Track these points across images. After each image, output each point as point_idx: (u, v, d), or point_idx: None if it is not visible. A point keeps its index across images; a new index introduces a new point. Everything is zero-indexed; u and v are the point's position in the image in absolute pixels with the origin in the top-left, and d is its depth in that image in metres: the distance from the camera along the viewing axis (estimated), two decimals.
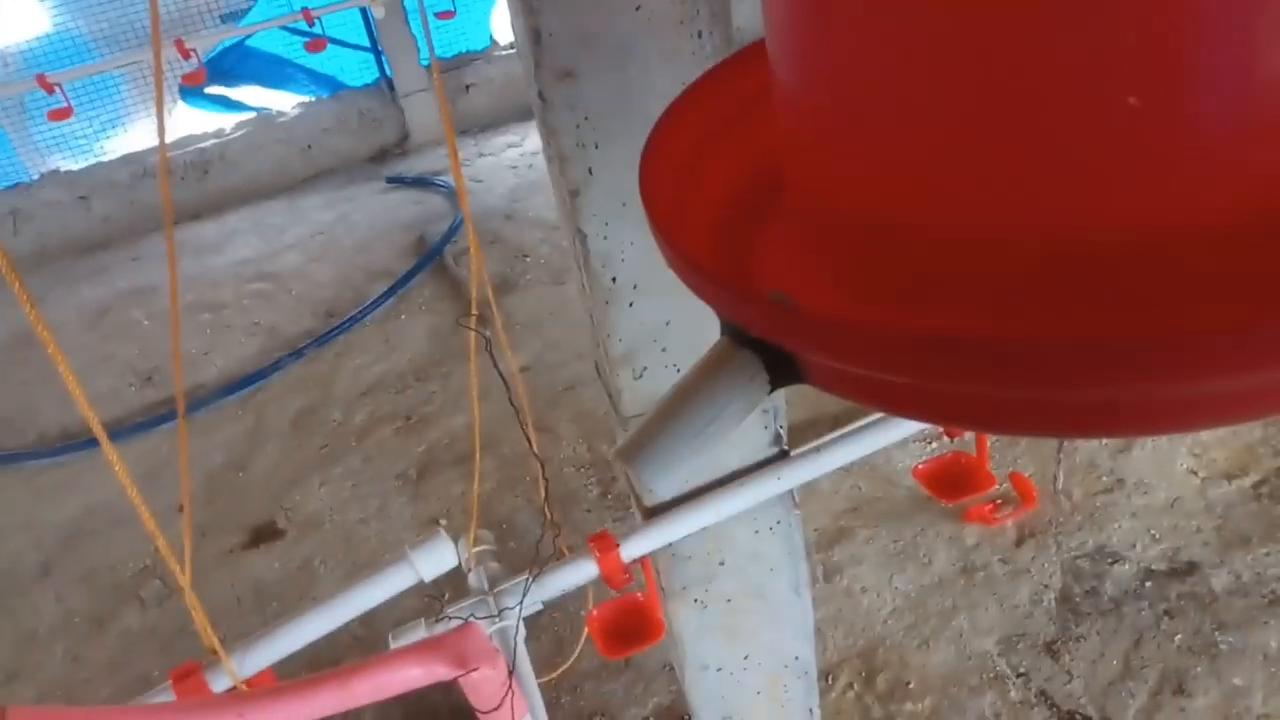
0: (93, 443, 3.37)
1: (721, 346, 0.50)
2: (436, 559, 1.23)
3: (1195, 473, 2.44)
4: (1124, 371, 0.33)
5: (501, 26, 6.07)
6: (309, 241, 4.82)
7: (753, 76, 0.58)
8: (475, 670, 0.95)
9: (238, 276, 4.58)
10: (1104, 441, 2.58)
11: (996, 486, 2.33)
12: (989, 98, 0.38)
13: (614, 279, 1.06)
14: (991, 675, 2.06)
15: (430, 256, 4.27)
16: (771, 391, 0.50)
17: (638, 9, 0.91)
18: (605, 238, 1.03)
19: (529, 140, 5.49)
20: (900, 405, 0.46)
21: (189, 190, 5.34)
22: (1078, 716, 1.95)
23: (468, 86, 5.77)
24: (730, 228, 0.56)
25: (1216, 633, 2.04)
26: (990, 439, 2.12)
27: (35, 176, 5.28)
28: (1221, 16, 0.34)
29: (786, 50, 0.48)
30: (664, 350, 1.15)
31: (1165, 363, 0.33)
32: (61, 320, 4.39)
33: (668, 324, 1.13)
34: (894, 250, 0.48)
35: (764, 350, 0.47)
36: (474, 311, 1.25)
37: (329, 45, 5.05)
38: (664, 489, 1.19)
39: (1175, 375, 0.33)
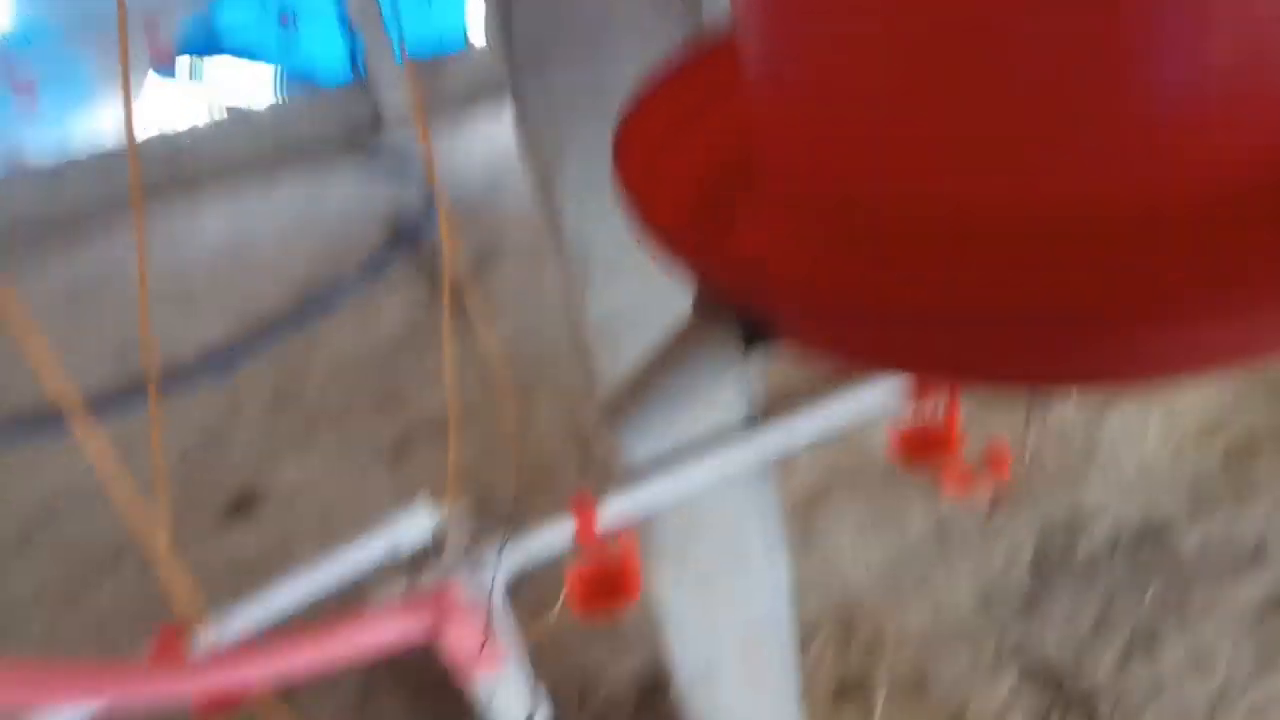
0: (69, 420, 3.33)
1: (697, 312, 0.51)
2: (414, 528, 1.24)
3: (1167, 436, 2.48)
4: (1062, 344, 0.36)
5: (477, 9, 6.01)
6: (283, 224, 4.78)
7: (727, 54, 0.59)
8: (453, 630, 0.96)
9: (212, 259, 4.53)
10: (1078, 406, 2.61)
11: (969, 452, 2.36)
12: (956, 74, 0.40)
13: (588, 259, 1.06)
14: (967, 633, 2.10)
15: (405, 237, 4.24)
16: (745, 353, 0.51)
17: None
18: (579, 216, 1.03)
19: (505, 119, 5.45)
20: (865, 360, 0.48)
21: (160, 173, 5.27)
22: (1051, 671, 1.99)
23: (442, 66, 5.70)
24: (703, 204, 0.58)
25: (1186, 591, 2.09)
26: (965, 403, 2.14)
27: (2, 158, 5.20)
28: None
29: (753, 22, 0.48)
30: (638, 329, 1.15)
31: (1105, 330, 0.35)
32: (34, 300, 4.33)
33: (642, 302, 1.13)
34: (865, 224, 0.49)
35: (736, 315, 0.49)
36: (446, 286, 1.25)
37: (302, 26, 4.99)
38: (642, 450, 1.20)
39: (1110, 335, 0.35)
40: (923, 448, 1.82)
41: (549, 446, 2.84)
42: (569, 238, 1.04)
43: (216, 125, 5.40)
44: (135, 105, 1.20)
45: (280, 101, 5.52)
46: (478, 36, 6.02)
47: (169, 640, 1.06)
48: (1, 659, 0.73)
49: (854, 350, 0.47)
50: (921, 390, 1.60)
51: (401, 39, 5.29)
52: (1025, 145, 0.39)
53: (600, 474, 2.66)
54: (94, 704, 0.83)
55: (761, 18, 0.47)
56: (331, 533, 2.71)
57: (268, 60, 5.68)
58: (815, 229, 0.51)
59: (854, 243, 0.49)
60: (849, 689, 2.04)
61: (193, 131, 5.38)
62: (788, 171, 0.52)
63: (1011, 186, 0.41)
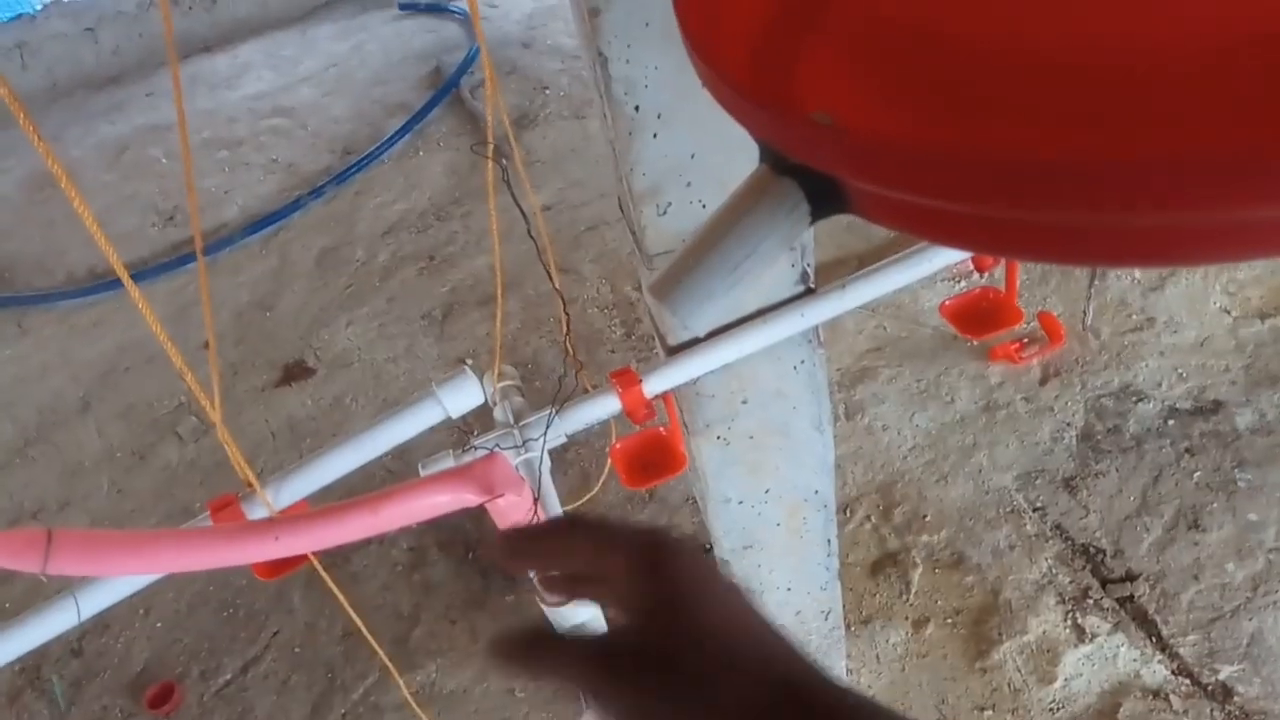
0: (121, 282, 3.38)
1: (760, 174, 0.47)
2: (463, 395, 1.24)
3: (1228, 311, 2.40)
4: (1183, 193, 0.31)
5: None
6: (323, 74, 4.68)
7: None
8: (501, 497, 0.97)
9: (253, 111, 4.47)
10: (1136, 278, 2.53)
11: (1024, 324, 2.31)
12: None
13: (637, 107, 1.01)
14: (1008, 509, 2.10)
15: (446, 89, 4.14)
16: (814, 222, 0.47)
17: None
18: (628, 61, 0.97)
19: None
20: (948, 233, 0.44)
21: (198, 20, 5.15)
22: (1091, 550, 2.00)
23: None
24: (770, 43, 0.53)
25: (1236, 470, 2.06)
26: (1020, 275, 2.07)
27: (39, 7, 5.10)
28: None
29: None
30: (689, 185, 1.10)
31: (1224, 186, 0.31)
32: (80, 159, 4.34)
33: (693, 156, 1.08)
34: (945, 65, 0.44)
35: (806, 177, 0.45)
36: (489, 141, 1.21)
37: None
38: (698, 326, 1.18)
39: (1232, 198, 0.31)
40: (976, 316, 1.77)
41: (592, 317, 2.83)
42: (616, 86, 0.99)
43: None
44: None
45: None
46: None
47: (225, 506, 1.09)
48: (67, 528, 0.75)
49: (925, 226, 0.44)
50: (982, 260, 1.54)
51: None
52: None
53: (647, 349, 2.67)
54: (156, 571, 0.85)
55: None
56: (384, 397, 2.77)
57: None
58: (889, 77, 0.47)
59: (932, 96, 0.44)
60: (886, 563, 2.07)
61: None
62: (863, 5, 0.47)
63: (1114, 25, 0.36)
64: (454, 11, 4.88)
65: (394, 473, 2.39)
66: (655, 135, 1.04)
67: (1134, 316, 2.44)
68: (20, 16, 5.04)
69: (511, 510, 1.01)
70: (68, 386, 3.10)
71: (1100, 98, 0.38)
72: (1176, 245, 0.36)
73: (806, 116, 0.46)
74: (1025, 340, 2.40)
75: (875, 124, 0.46)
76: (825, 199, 0.45)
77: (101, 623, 2.29)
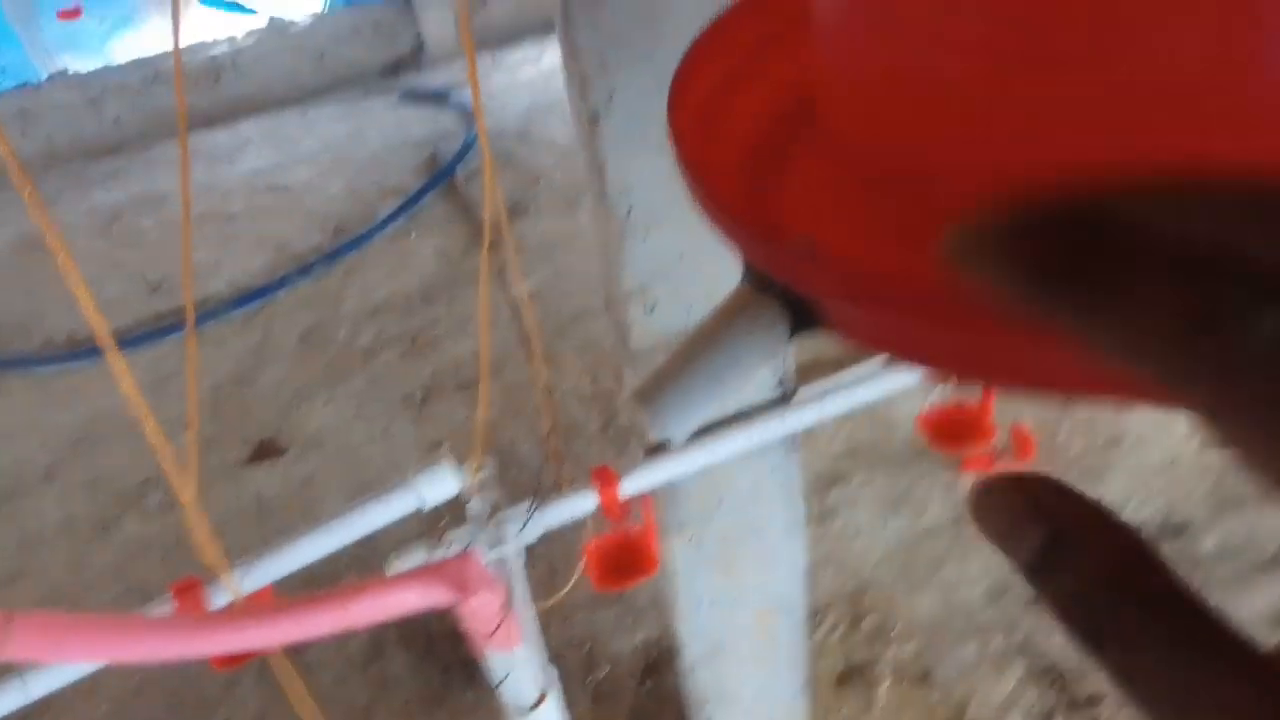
0: (101, 350, 3.37)
1: (741, 291, 0.50)
2: (439, 486, 1.24)
3: (1194, 433, 2.44)
4: None
5: None
6: (321, 154, 4.77)
7: (792, 1, 0.55)
8: (474, 597, 0.96)
9: (249, 187, 4.53)
10: None
11: (996, 438, 2.33)
12: (1040, 39, 0.37)
13: (629, 210, 1.05)
14: (975, 625, 2.09)
15: (442, 176, 4.23)
16: (791, 340, 0.50)
17: None
18: (624, 166, 1.01)
19: (546, 57, 5.38)
20: (919, 357, 0.46)
21: (201, 97, 5.26)
22: (1057, 670, 1.98)
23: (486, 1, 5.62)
24: (760, 165, 0.55)
25: (1203, 593, 2.06)
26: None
27: (44, 77, 5.20)
28: None
29: None
30: (675, 286, 1.13)
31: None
32: (72, 224, 4.37)
33: (681, 258, 1.11)
34: (929, 199, 0.46)
35: (786, 297, 0.47)
36: (487, 232, 1.24)
37: None
38: (678, 435, 1.19)
39: None
40: (950, 430, 1.79)
41: (571, 407, 2.84)
42: (611, 189, 1.02)
43: (257, 42, 5.35)
44: (180, 29, 1.18)
45: (321, 25, 5.46)
46: None
47: (189, 589, 1.07)
48: (20, 610, 0.74)
49: (901, 350, 0.45)
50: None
51: None
52: (1166, 111, 0.37)
53: (623, 442, 2.67)
54: (120, 660, 0.84)
55: None
56: (355, 479, 2.74)
57: None
58: (873, 208, 0.49)
59: (915, 228, 0.46)
60: (853, 675, 2.04)
61: (233, 50, 5.33)
62: (850, 130, 0.49)
63: (1106, 167, 0.38)
64: (454, 103, 5.01)
65: (359, 558, 2.35)
66: (646, 237, 1.07)
67: (1103, 434, 2.48)
68: (25, 85, 5.14)
69: (483, 610, 1.00)
70: (35, 453, 3.05)
71: None
72: (1132, 383, 0.37)
73: (787, 242, 0.48)
74: (999, 452, 2.43)
75: (851, 251, 0.48)
76: (803, 318, 0.48)
77: (43, 704, 2.20)
